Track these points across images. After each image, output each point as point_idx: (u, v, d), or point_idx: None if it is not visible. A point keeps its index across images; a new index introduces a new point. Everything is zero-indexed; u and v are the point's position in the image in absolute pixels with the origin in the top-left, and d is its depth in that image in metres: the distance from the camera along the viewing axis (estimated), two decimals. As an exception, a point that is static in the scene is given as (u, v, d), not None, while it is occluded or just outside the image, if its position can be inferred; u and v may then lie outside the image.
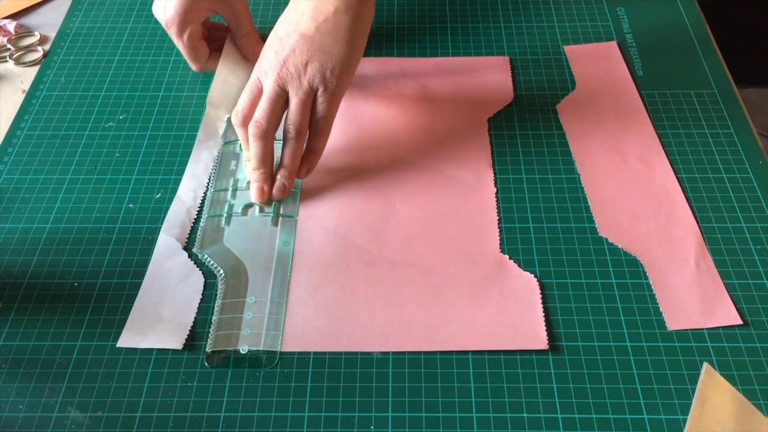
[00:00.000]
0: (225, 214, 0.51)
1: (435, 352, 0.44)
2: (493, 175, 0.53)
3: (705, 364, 0.43)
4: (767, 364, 0.43)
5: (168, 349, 0.44)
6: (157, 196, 0.52)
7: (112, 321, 0.45)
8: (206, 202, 0.52)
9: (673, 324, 0.45)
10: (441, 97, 0.59)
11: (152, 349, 0.44)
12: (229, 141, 0.56)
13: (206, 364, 0.43)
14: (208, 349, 0.44)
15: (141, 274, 0.48)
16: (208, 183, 0.53)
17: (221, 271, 0.47)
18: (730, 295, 0.46)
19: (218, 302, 0.46)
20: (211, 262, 0.48)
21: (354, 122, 0.57)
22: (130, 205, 0.52)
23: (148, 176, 0.54)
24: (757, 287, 0.46)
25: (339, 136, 0.56)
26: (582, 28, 0.65)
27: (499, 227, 0.50)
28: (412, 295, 0.46)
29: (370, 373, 0.43)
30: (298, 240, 0.49)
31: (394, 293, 0.46)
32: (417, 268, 0.47)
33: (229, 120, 0.57)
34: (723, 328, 0.44)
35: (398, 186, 0.53)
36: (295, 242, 0.49)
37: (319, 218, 0.51)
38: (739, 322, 0.45)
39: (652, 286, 0.46)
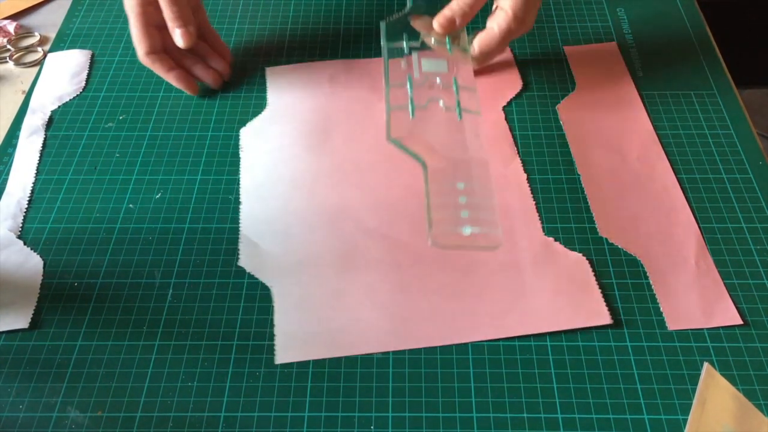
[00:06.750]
0: (410, 106, 0.50)
1: (435, 352, 0.44)
2: (520, 161, 0.54)
3: (705, 364, 0.43)
4: (767, 364, 0.43)
5: (168, 349, 0.44)
6: (157, 196, 0.52)
7: (112, 321, 0.45)
8: (386, 97, 0.50)
9: (673, 324, 0.45)
10: None
11: (152, 349, 0.44)
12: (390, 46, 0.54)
13: (431, 244, 0.44)
14: (432, 232, 0.44)
15: (141, 274, 0.48)
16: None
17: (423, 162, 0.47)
18: (730, 295, 0.46)
19: (426, 192, 0.46)
20: (410, 151, 0.47)
21: (372, 121, 0.57)
22: (130, 206, 0.52)
23: (148, 176, 0.54)
24: (757, 287, 0.46)
25: (358, 136, 0.56)
26: (582, 28, 0.65)
27: (538, 211, 0.50)
28: (466, 285, 0.46)
29: (370, 373, 0.43)
30: (346, 244, 0.49)
31: (450, 285, 0.46)
32: (467, 259, 0.47)
33: (387, 26, 0.55)
34: (723, 328, 0.45)
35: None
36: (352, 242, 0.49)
37: (360, 220, 0.50)
38: (740, 322, 0.45)
39: (652, 286, 0.46)
